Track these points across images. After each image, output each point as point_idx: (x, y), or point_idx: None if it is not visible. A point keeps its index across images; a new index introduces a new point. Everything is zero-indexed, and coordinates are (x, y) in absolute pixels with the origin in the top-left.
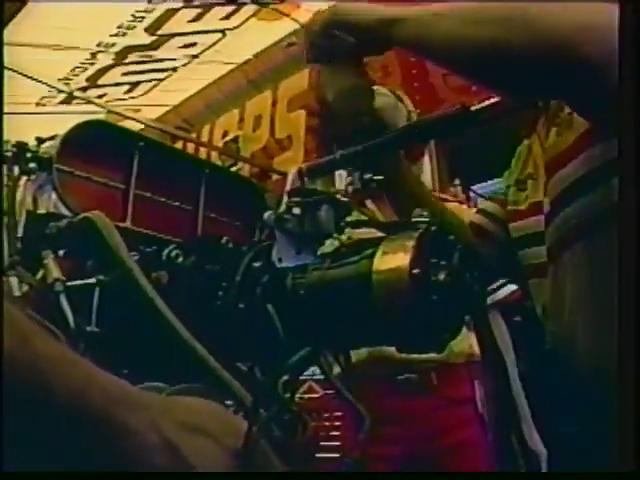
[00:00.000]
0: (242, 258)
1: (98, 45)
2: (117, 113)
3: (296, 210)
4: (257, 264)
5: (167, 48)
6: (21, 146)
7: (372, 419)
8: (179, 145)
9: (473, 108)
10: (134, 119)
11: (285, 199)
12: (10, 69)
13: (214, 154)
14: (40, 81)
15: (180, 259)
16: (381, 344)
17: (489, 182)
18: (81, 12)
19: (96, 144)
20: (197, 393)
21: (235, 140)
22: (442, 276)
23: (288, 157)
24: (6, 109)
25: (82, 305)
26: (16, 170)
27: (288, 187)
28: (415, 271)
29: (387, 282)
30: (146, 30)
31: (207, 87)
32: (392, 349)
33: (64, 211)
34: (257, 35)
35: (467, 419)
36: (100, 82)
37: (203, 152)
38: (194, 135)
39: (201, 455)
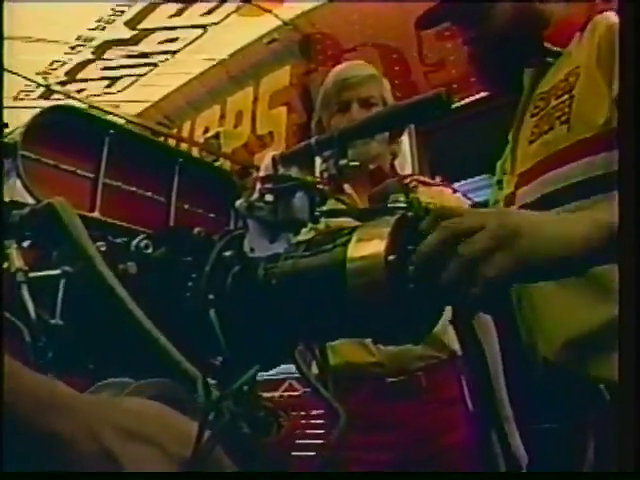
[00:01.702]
0: (213, 247)
1: (77, 39)
2: (97, 108)
3: (269, 197)
4: (228, 253)
5: (147, 43)
6: None
7: (363, 426)
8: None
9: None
10: (114, 114)
11: (258, 186)
12: None
13: (195, 150)
14: (18, 75)
15: (149, 250)
16: (357, 336)
17: (470, 180)
18: (60, 5)
19: (64, 131)
20: (164, 388)
21: (216, 136)
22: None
23: (269, 153)
24: None
25: (46, 297)
26: None
27: (261, 173)
28: (391, 258)
29: (362, 270)
30: (126, 24)
31: (188, 83)
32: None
33: (30, 200)
34: (239, 31)
35: (458, 420)
36: (79, 77)
37: (184, 148)
38: (175, 131)
39: (144, 465)
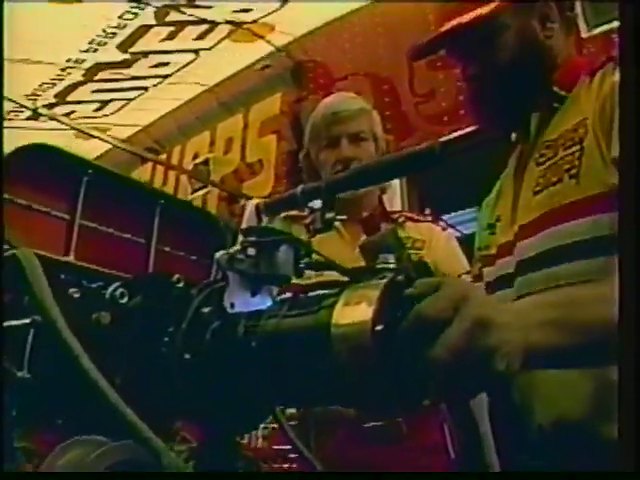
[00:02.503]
0: (191, 302)
1: (68, 61)
2: (83, 132)
3: (251, 251)
4: (206, 310)
5: (139, 66)
6: None
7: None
8: (149, 167)
9: (445, 139)
10: (102, 139)
11: (240, 238)
12: None
13: (184, 177)
14: (3, 97)
15: (124, 299)
16: (343, 404)
17: (460, 212)
18: (51, 26)
19: (39, 170)
20: (132, 452)
21: (205, 163)
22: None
23: (258, 181)
24: None
25: (16, 348)
26: None
27: (244, 224)
28: (378, 328)
29: (348, 337)
30: (118, 47)
31: (178, 108)
32: None
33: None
34: (230, 56)
35: (440, 469)
36: (69, 99)
37: (172, 175)
38: (164, 156)
39: None
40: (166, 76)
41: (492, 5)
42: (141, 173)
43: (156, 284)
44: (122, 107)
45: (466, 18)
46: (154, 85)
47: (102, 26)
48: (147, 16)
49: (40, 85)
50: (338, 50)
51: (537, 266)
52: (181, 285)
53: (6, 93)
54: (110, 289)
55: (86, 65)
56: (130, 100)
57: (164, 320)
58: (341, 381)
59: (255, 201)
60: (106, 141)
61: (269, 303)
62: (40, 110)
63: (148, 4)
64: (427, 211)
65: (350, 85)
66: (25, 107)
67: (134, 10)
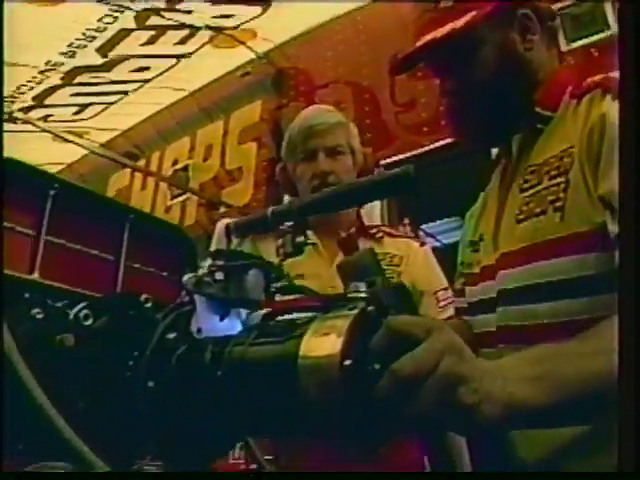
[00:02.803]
0: (157, 326)
1: (47, 64)
2: (58, 135)
3: (219, 275)
4: (172, 336)
5: (119, 70)
6: None
7: None
8: (128, 171)
9: (420, 158)
10: (76, 143)
11: (208, 261)
12: None
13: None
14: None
15: (89, 321)
16: (311, 436)
17: (438, 222)
18: (29, 29)
19: (4, 185)
20: None
21: (185, 169)
22: (378, 365)
23: (238, 189)
24: None
25: None
26: None
27: (213, 245)
28: (347, 363)
29: (315, 371)
30: (97, 51)
31: (158, 113)
32: None
33: None
34: (212, 62)
35: None
36: (47, 102)
37: (152, 180)
38: (143, 161)
39: None
40: (146, 80)
41: (467, 18)
42: (120, 177)
43: (123, 305)
44: (101, 111)
45: (440, 32)
46: (134, 89)
47: (81, 29)
48: (127, 20)
49: (17, 88)
50: (319, 58)
51: (516, 300)
52: (149, 305)
53: None
54: (74, 310)
55: (65, 68)
56: (110, 104)
57: (130, 343)
58: (309, 414)
59: (225, 221)
60: (81, 145)
61: (238, 328)
62: (15, 114)
63: (128, 8)
64: (406, 221)
65: (331, 93)
66: None
67: (114, 14)
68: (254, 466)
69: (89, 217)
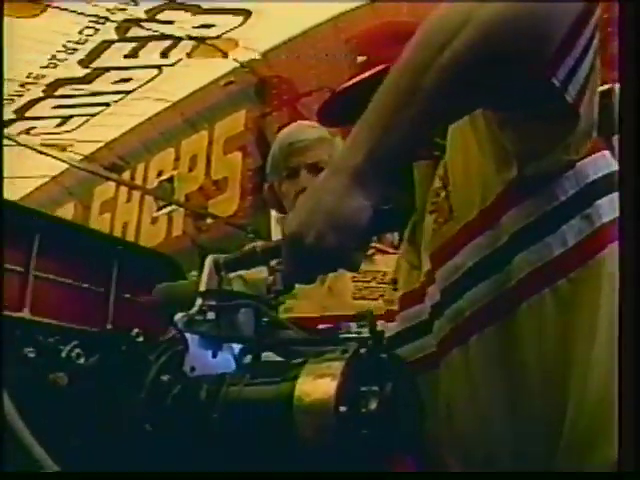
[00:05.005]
0: (149, 368)
1: (28, 76)
2: (38, 150)
3: (211, 315)
4: (166, 378)
5: (101, 82)
6: None
7: None
8: (112, 184)
9: None
10: (57, 158)
11: (199, 301)
12: None
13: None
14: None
15: (81, 360)
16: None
17: None
18: (10, 43)
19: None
20: None
21: (170, 180)
22: (374, 405)
23: (224, 198)
24: None
25: None
26: None
27: (203, 283)
28: (342, 409)
29: (310, 415)
30: (79, 63)
31: (142, 124)
32: None
33: None
34: (194, 73)
35: None
36: (28, 114)
37: (137, 192)
38: (128, 173)
39: None
40: (128, 92)
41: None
42: (105, 190)
43: (115, 341)
44: (84, 123)
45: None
46: (115, 101)
47: (63, 41)
48: (108, 31)
49: None
50: (302, 66)
51: (444, 306)
52: (141, 339)
53: None
54: (67, 349)
55: (46, 81)
56: (92, 116)
57: (123, 381)
58: (305, 455)
59: (213, 257)
60: (63, 160)
61: (231, 364)
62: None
63: (107, 19)
64: (396, 235)
65: (314, 101)
66: None
67: (95, 25)
68: None
69: (78, 251)
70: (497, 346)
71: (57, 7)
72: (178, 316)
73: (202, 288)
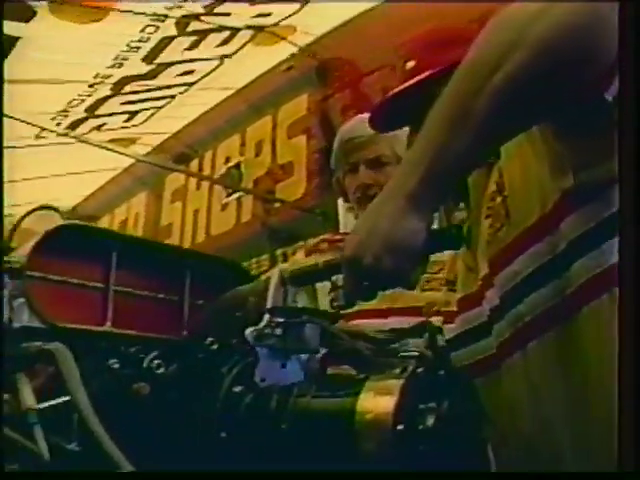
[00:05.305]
0: (223, 379)
1: (95, 77)
2: (107, 148)
3: (278, 331)
4: (238, 389)
5: (165, 76)
6: None
7: None
8: (180, 177)
9: None
10: (123, 153)
11: (267, 317)
12: None
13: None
14: (20, 120)
15: (161, 369)
16: None
17: None
18: (76, 46)
19: (71, 247)
20: None
21: (237, 166)
22: (431, 421)
23: (292, 182)
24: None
25: (61, 423)
26: None
27: (269, 299)
28: (400, 427)
29: (370, 431)
30: (143, 60)
31: (207, 113)
32: None
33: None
34: (255, 60)
35: None
36: (98, 112)
37: (206, 182)
38: (197, 161)
39: None
40: (192, 84)
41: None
42: (176, 178)
43: (191, 349)
44: (151, 116)
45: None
46: (180, 92)
47: (126, 41)
48: (168, 28)
49: (69, 102)
50: (363, 45)
51: (504, 311)
52: (215, 347)
53: (35, 112)
54: (147, 359)
55: (113, 80)
56: (158, 109)
57: (200, 390)
58: (365, 469)
59: (279, 271)
60: (129, 155)
61: (299, 374)
62: (64, 130)
63: (167, 16)
64: None
65: (377, 80)
66: (43, 128)
67: (155, 23)
68: None
69: (152, 265)
70: (557, 350)
71: (117, 9)
72: (248, 331)
73: (269, 302)
